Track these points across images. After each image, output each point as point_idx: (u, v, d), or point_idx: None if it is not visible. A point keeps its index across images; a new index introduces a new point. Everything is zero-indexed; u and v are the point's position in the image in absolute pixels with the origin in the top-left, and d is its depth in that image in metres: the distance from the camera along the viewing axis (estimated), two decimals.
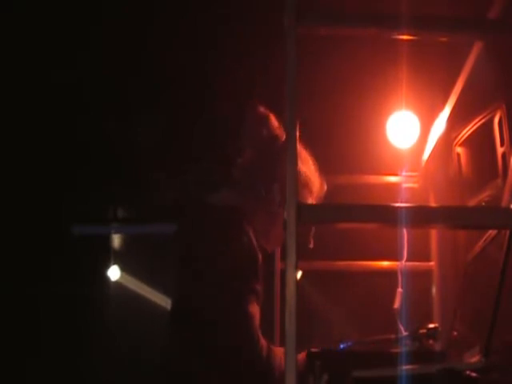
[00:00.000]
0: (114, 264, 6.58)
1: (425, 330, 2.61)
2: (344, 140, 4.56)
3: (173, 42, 4.66)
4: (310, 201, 2.91)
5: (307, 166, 2.91)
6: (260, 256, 2.73)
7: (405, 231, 3.26)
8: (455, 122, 3.63)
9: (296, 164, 1.85)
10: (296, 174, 1.85)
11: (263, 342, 2.64)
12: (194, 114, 5.12)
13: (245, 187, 2.89)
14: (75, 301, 6.14)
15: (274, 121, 2.92)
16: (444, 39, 2.17)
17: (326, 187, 2.98)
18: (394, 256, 3.46)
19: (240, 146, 2.95)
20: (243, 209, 2.81)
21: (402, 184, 3.97)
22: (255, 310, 2.65)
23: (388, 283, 3.53)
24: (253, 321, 2.63)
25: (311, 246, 2.88)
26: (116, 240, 6.67)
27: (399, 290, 3.21)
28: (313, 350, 2.58)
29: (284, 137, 2.86)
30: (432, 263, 4.05)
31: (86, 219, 6.25)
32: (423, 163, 4.11)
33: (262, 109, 2.94)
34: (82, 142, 5.49)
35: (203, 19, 4.54)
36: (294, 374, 1.74)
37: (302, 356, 2.53)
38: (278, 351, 2.68)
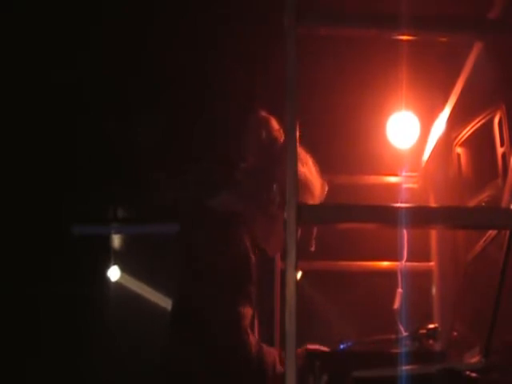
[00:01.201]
0: (114, 264, 6.58)
1: (425, 331, 2.61)
2: (344, 140, 4.56)
3: (173, 42, 4.66)
4: (311, 202, 2.91)
5: (307, 167, 2.92)
6: (254, 260, 2.75)
7: (405, 231, 3.25)
8: (455, 122, 3.63)
9: (296, 164, 1.84)
10: (296, 174, 1.85)
11: (252, 339, 2.66)
12: (194, 114, 5.12)
13: (245, 190, 2.90)
14: (75, 301, 6.14)
15: (274, 123, 2.94)
16: (444, 39, 2.17)
17: (326, 188, 2.99)
18: (394, 256, 3.46)
19: (242, 150, 2.97)
20: (243, 213, 2.82)
21: (402, 184, 3.97)
22: (247, 311, 2.67)
23: (388, 283, 3.54)
24: (243, 320, 2.64)
25: (312, 248, 2.89)
26: (116, 240, 6.66)
27: (399, 290, 3.21)
28: (311, 347, 2.60)
29: (283, 139, 2.89)
30: (432, 263, 4.05)
31: (85, 219, 6.25)
32: (423, 163, 4.10)
33: (262, 112, 2.96)
34: (82, 141, 5.49)
35: (203, 19, 4.54)
36: (294, 374, 1.74)
37: (299, 351, 2.55)
38: (269, 350, 2.69)
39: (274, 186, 2.84)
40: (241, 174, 2.93)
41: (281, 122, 2.92)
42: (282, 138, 2.89)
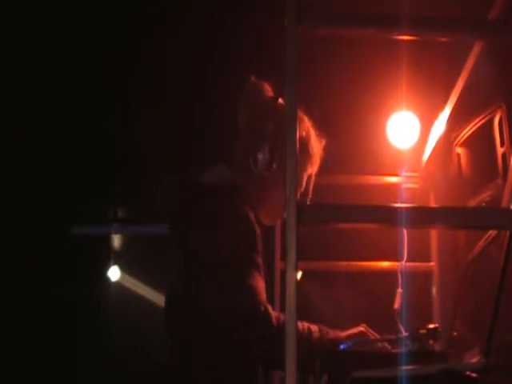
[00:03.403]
0: (114, 264, 6.59)
1: (425, 331, 2.61)
2: (344, 140, 4.56)
3: (174, 43, 4.66)
4: (309, 165, 2.84)
5: (303, 126, 2.81)
6: (257, 228, 2.63)
7: (405, 231, 3.25)
8: (455, 122, 3.63)
9: (296, 164, 1.84)
10: (296, 173, 1.84)
11: (269, 311, 2.51)
12: (195, 114, 5.12)
13: (236, 155, 2.81)
14: (75, 301, 6.14)
15: (266, 86, 2.85)
16: (444, 39, 2.16)
17: (324, 142, 2.88)
18: (394, 256, 3.46)
19: (236, 118, 2.87)
20: (237, 182, 2.72)
21: (402, 184, 3.97)
22: (260, 284, 2.54)
23: (388, 283, 3.53)
24: (257, 295, 2.51)
25: (309, 197, 2.83)
26: (116, 240, 6.67)
27: (399, 290, 3.21)
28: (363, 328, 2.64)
29: (274, 99, 2.81)
30: (432, 264, 4.05)
31: (85, 219, 6.25)
32: (423, 164, 4.10)
33: (253, 78, 2.87)
34: (82, 142, 5.49)
35: (204, 20, 4.54)
36: (294, 373, 1.73)
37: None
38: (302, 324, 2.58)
39: (264, 145, 2.73)
40: (235, 146, 2.83)
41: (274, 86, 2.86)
42: (273, 98, 2.81)
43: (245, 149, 2.78)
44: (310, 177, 2.87)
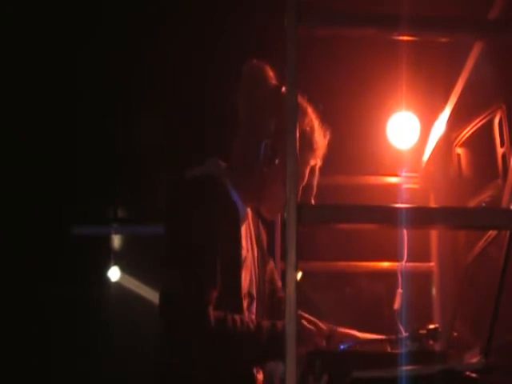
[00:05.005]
0: (114, 264, 6.59)
1: (425, 331, 2.61)
2: (344, 140, 4.56)
3: (174, 43, 4.67)
4: (312, 158, 2.74)
5: (308, 118, 2.71)
6: (227, 227, 2.58)
7: (405, 232, 3.25)
8: (455, 122, 3.63)
9: (296, 164, 1.84)
10: (296, 173, 1.84)
11: (213, 314, 2.50)
12: (195, 114, 5.12)
13: (236, 151, 2.72)
14: (75, 301, 6.14)
15: (268, 71, 2.73)
16: (444, 39, 2.16)
17: (328, 136, 2.76)
18: (394, 257, 3.46)
19: (234, 104, 2.76)
20: (220, 175, 2.66)
21: (402, 185, 3.98)
22: (208, 283, 2.51)
23: (388, 283, 3.54)
24: (201, 294, 2.50)
25: (314, 192, 2.76)
26: (116, 240, 6.67)
27: (399, 290, 3.21)
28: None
29: (278, 87, 2.69)
30: (432, 264, 4.06)
31: (85, 219, 6.25)
32: (423, 164, 4.11)
33: (255, 60, 2.74)
34: (82, 142, 5.49)
35: (204, 19, 4.54)
36: (294, 374, 1.73)
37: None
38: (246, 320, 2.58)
39: (265, 139, 2.62)
40: (233, 141, 2.74)
41: (276, 70, 2.74)
42: (276, 87, 2.69)
43: (245, 143, 2.69)
44: (313, 170, 2.77)
